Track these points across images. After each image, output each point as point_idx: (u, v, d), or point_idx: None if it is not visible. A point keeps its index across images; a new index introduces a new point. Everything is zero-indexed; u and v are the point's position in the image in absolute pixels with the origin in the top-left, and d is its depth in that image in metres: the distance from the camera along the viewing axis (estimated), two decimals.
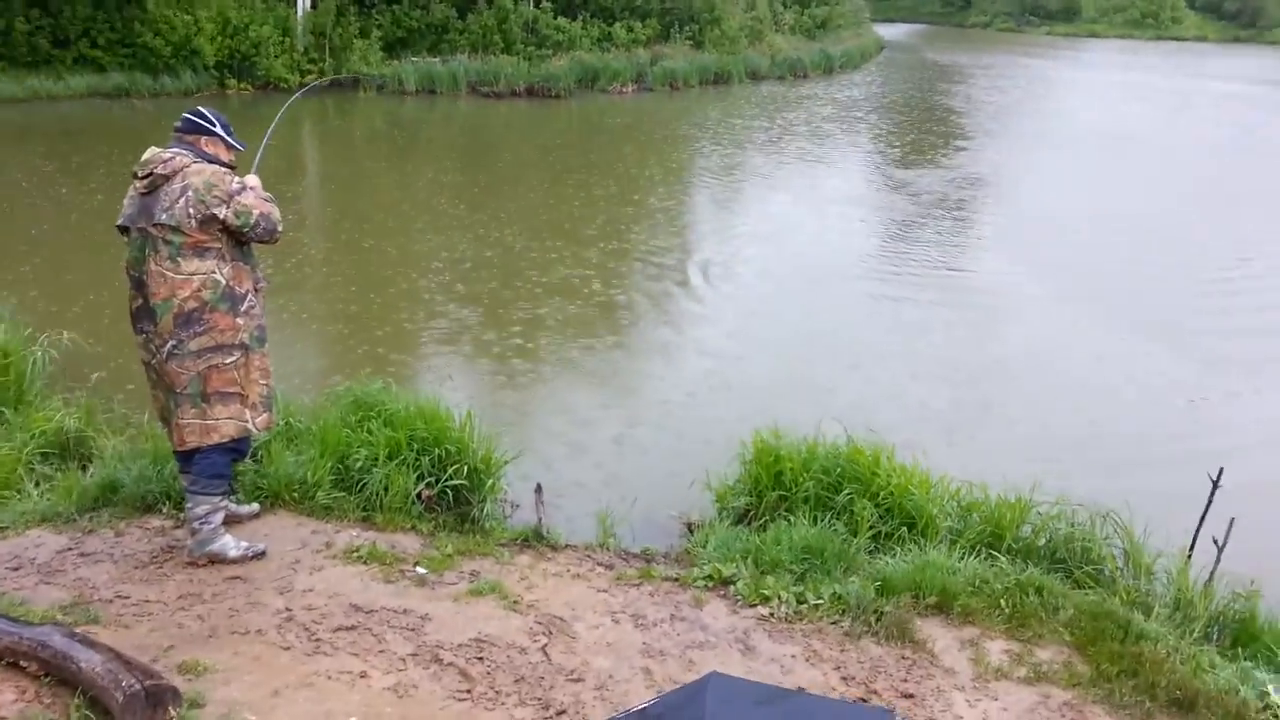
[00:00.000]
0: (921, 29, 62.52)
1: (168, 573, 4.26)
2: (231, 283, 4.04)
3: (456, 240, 11.68)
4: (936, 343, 8.96)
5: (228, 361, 4.06)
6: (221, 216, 3.91)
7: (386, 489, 4.98)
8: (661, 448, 6.63)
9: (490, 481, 5.26)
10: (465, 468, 5.18)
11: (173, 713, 3.03)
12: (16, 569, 4.21)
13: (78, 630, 3.41)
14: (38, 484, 4.97)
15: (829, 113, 24.67)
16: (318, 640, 3.83)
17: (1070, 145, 21.03)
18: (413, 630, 3.96)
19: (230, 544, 4.32)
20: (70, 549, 4.42)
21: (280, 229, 4.09)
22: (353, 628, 3.93)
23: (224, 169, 4.05)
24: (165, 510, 4.76)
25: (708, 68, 28.79)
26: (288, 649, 3.76)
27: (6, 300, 7.55)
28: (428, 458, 5.16)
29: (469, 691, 3.59)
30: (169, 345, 3.99)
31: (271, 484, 4.97)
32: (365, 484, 5.01)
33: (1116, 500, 5.11)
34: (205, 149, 4.07)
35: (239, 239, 4.05)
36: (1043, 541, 4.94)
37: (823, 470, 5.10)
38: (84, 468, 5.21)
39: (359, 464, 5.07)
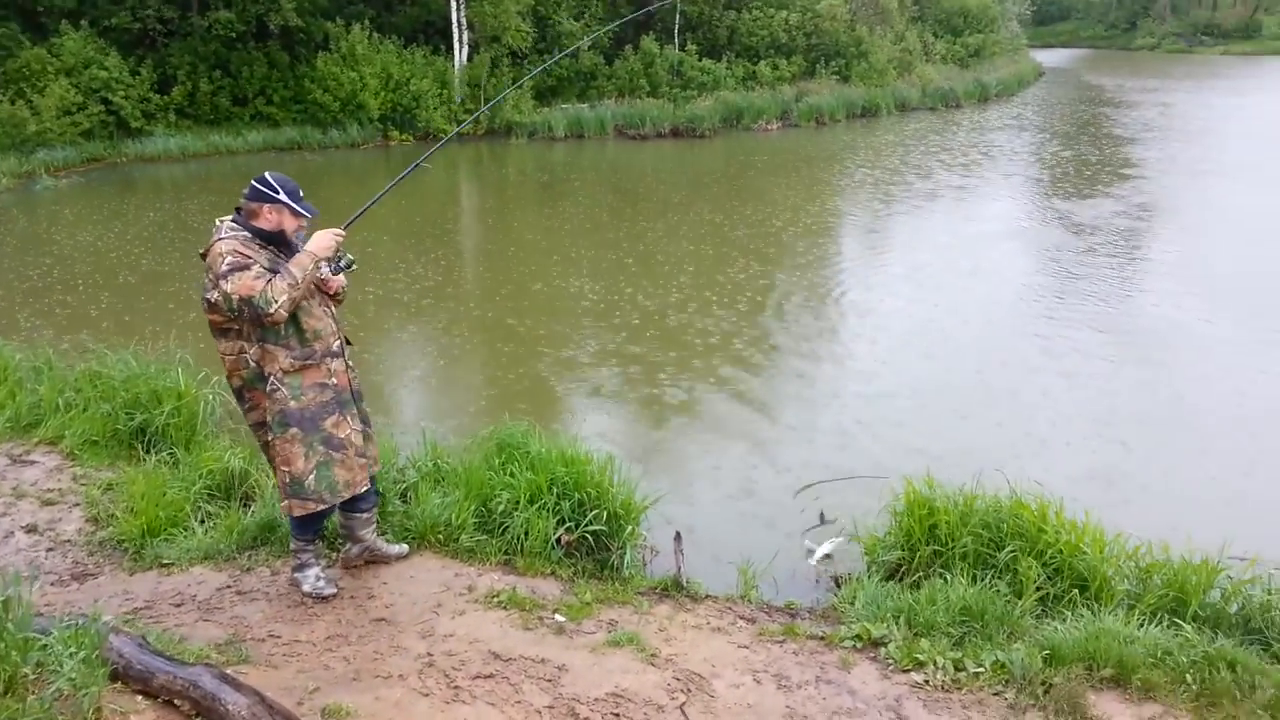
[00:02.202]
0: (1084, 54, 59.90)
1: (318, 613, 4.35)
2: (259, 363, 4.05)
3: (601, 282, 11.80)
4: (1104, 387, 8.35)
5: (269, 439, 4.16)
6: (213, 300, 3.90)
7: (527, 533, 4.97)
8: (806, 496, 6.38)
9: (630, 528, 5.17)
10: (605, 513, 5.11)
11: None
12: (179, 605, 4.40)
13: (228, 670, 3.49)
14: (203, 521, 5.21)
15: (982, 142, 23.82)
16: (456, 688, 3.81)
17: (1244, 173, 19.52)
18: (550, 681, 3.89)
19: (309, 578, 4.46)
20: (229, 586, 4.59)
21: (272, 309, 3.78)
22: (491, 676, 3.90)
23: (237, 244, 3.87)
24: None
25: (854, 101, 28.43)
26: (427, 695, 3.75)
27: (187, 345, 8.03)
28: (568, 502, 5.13)
29: None
30: (243, 413, 4.27)
31: (418, 525, 5.05)
32: (507, 527, 5.02)
33: None
34: (267, 216, 3.98)
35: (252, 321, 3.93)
36: (1234, 609, 4.43)
37: (982, 525, 4.76)
38: (245, 506, 5.43)
39: (501, 507, 5.09)
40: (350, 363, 4.35)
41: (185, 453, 5.96)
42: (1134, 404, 8.02)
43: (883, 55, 30.90)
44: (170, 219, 15.78)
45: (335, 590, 4.47)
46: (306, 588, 4.45)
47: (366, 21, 24.90)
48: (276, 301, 3.81)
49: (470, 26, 25.56)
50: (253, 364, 4.05)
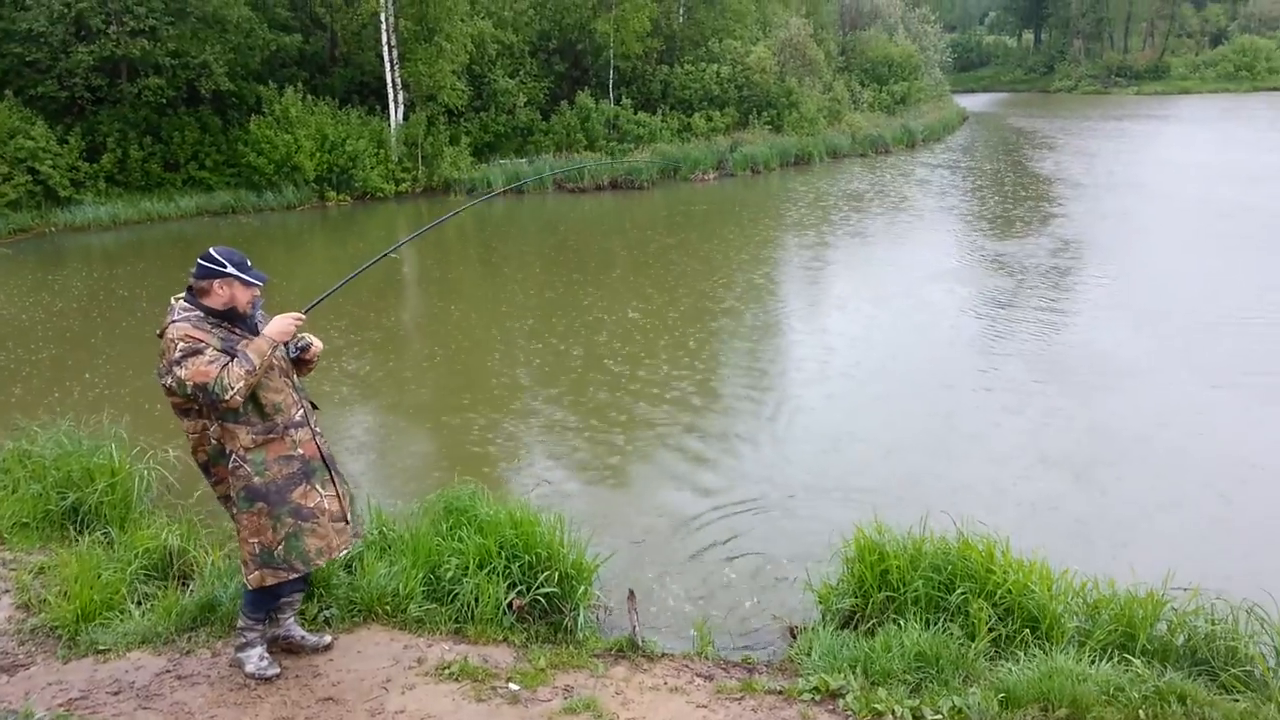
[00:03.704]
0: (1004, 97, 62.16)
1: (262, 694, 4.20)
2: (220, 439, 4.03)
3: (547, 336, 11.79)
4: (1041, 425, 8.52)
5: (234, 513, 4.12)
6: (167, 385, 3.86)
7: (477, 599, 4.88)
8: (759, 546, 6.38)
9: (582, 588, 5.10)
10: (556, 574, 5.05)
11: None
12: (116, 693, 4.22)
13: None
14: (139, 603, 5.02)
15: (911, 186, 24.46)
16: None
17: (1169, 203, 20.29)
18: None
19: (252, 658, 4.31)
20: (169, 670, 4.41)
21: (228, 395, 3.76)
22: None
23: (188, 328, 3.84)
24: None
25: (788, 150, 29.07)
26: None
27: (121, 419, 7.81)
28: (518, 564, 5.06)
29: None
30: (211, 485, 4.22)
31: (364, 597, 4.92)
32: (456, 594, 4.93)
33: (1254, 590, 4.67)
34: (218, 291, 3.93)
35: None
36: (1181, 640, 4.51)
37: (932, 568, 4.79)
38: (184, 585, 5.25)
39: (450, 573, 4.99)
40: (318, 429, 4.27)
41: (120, 531, 5.76)
42: (1069, 438, 8.19)
43: (812, 105, 31.71)
44: (100, 289, 15.44)
45: (279, 670, 4.32)
46: (250, 668, 4.30)
47: (300, 84, 24.88)
48: (232, 389, 3.78)
49: (405, 86, 25.67)
50: (214, 441, 4.02)
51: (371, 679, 4.32)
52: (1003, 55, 77.52)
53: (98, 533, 5.80)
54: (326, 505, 4.17)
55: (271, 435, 4.02)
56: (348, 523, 4.27)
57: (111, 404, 8.49)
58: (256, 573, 4.07)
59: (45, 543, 5.89)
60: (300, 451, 4.10)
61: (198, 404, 3.92)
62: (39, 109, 21.80)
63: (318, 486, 4.15)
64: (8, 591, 5.26)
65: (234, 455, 3.99)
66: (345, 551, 4.30)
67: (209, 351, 3.81)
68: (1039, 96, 61.16)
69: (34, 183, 20.85)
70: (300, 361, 4.27)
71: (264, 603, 4.25)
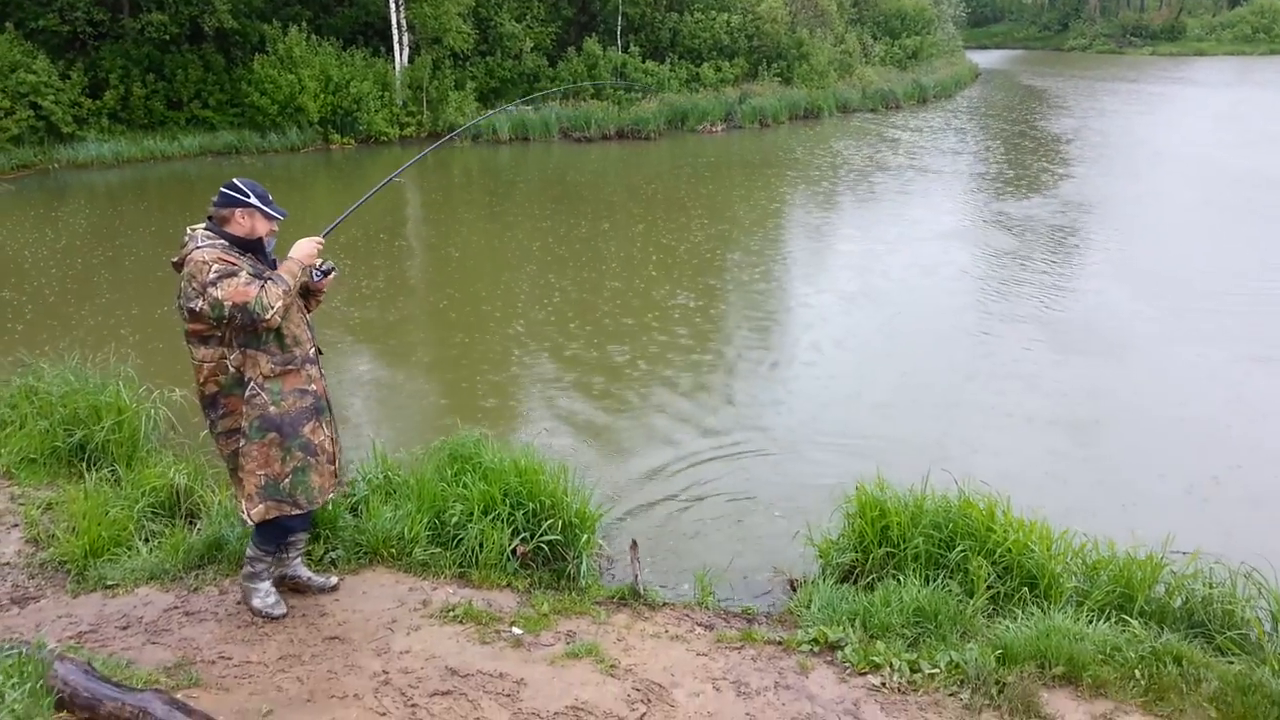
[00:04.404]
0: (1018, 54, 61.26)
1: (269, 632, 4.27)
2: (241, 368, 4.00)
3: (552, 285, 11.76)
4: (1046, 386, 8.53)
5: (242, 446, 4.07)
6: (197, 309, 3.83)
7: (482, 545, 4.93)
8: (760, 499, 6.43)
9: (585, 536, 5.15)
10: (560, 522, 5.09)
11: None
12: (125, 628, 4.29)
13: (178, 695, 3.41)
14: (147, 540, 5.07)
15: (921, 143, 24.23)
16: (414, 706, 3.76)
17: (1179, 167, 20.13)
18: (509, 696, 3.86)
19: (259, 592, 4.38)
20: (176, 607, 4.48)
21: (268, 315, 3.82)
22: (448, 693, 3.86)
23: (218, 253, 3.86)
24: None
25: (797, 103, 28.73)
26: (384, 715, 3.71)
27: (132, 359, 7.81)
28: (522, 512, 5.09)
29: None
30: (209, 424, 4.16)
31: (370, 540, 4.98)
32: (461, 540, 4.98)
33: (1252, 555, 4.72)
34: (240, 221, 3.96)
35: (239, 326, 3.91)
36: (1178, 603, 4.55)
37: (933, 525, 4.83)
38: (191, 524, 5.30)
39: (454, 519, 5.04)
40: (322, 371, 4.32)
41: (127, 470, 5.80)
42: (1074, 400, 8.21)
43: (823, 57, 31.27)
44: (104, 226, 15.37)
45: (285, 611, 4.38)
46: (256, 602, 4.36)
47: (304, 23, 24.50)
48: (273, 308, 3.84)
49: (410, 28, 25.30)
50: (233, 369, 4.00)
51: (377, 619, 4.38)
52: (1017, 11, 76.24)
53: (105, 470, 5.84)
54: (328, 446, 4.25)
55: (290, 367, 4.08)
56: (336, 468, 4.33)
57: (117, 342, 8.49)
58: (261, 505, 4.10)
59: (53, 479, 5.94)
60: (313, 387, 4.18)
61: (225, 328, 3.91)
62: (40, 43, 21.49)
63: (323, 426, 4.23)
64: (17, 526, 5.32)
65: (252, 383, 4.01)
66: (331, 495, 4.35)
67: (244, 274, 3.85)
68: (1052, 55, 60.29)
69: (36, 118, 20.62)
70: (309, 293, 4.31)
71: (274, 535, 4.29)
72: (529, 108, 25.21)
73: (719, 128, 26.59)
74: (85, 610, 4.48)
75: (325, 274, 4.29)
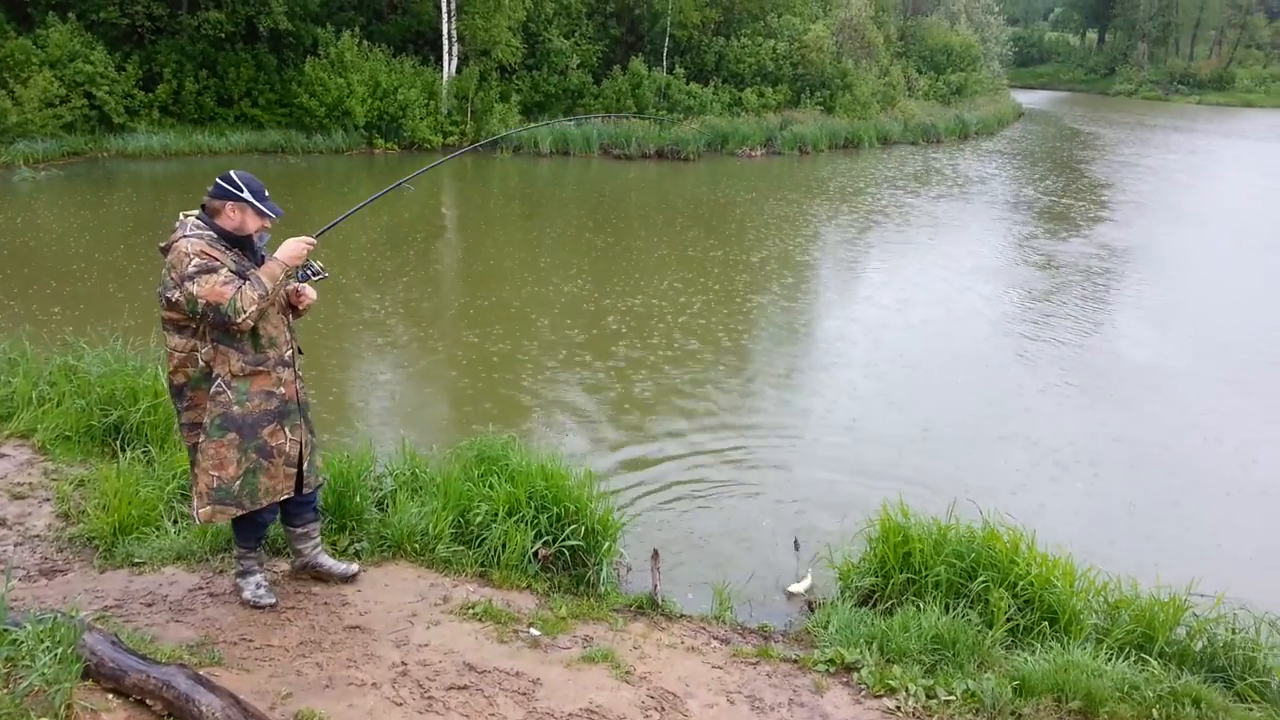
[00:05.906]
0: (1062, 96, 60.96)
1: (291, 618, 4.32)
2: (211, 363, 3.93)
3: (585, 296, 11.83)
4: (1074, 428, 8.47)
5: (201, 441, 3.99)
6: (173, 300, 3.78)
7: (504, 545, 4.97)
8: (783, 520, 6.42)
9: (607, 544, 5.18)
10: (583, 528, 5.12)
11: None
12: (151, 605, 4.35)
13: (201, 672, 3.46)
14: (175, 522, 5.15)
15: (960, 178, 24.16)
16: (430, 698, 3.79)
17: (1222, 220, 19.93)
18: (524, 695, 3.88)
19: (249, 585, 4.41)
20: (201, 588, 4.54)
21: (239, 319, 3.75)
22: (465, 687, 3.89)
23: (203, 245, 3.79)
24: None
25: (838, 132, 28.73)
26: (400, 705, 3.73)
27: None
28: (546, 515, 5.14)
29: None
30: (176, 413, 4.10)
31: (395, 534, 5.03)
32: (484, 539, 5.02)
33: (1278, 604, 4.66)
34: (230, 214, 3.90)
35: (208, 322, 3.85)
36: (1199, 646, 4.51)
37: (955, 554, 4.82)
38: None
39: (479, 519, 5.08)
40: (299, 373, 4.26)
41: (160, 452, 5.89)
42: (1105, 442, 8.14)
43: (867, 88, 31.30)
44: (148, 216, 15.65)
45: (274, 600, 4.39)
46: (246, 595, 4.38)
47: (357, 29, 24.92)
48: (245, 311, 3.77)
49: (460, 39, 25.63)
50: (202, 363, 3.94)
51: (398, 612, 4.42)
52: (1064, 53, 75.88)
53: (138, 451, 5.93)
54: (288, 449, 4.16)
55: (261, 368, 4.01)
56: (300, 470, 4.26)
57: (157, 328, 8.61)
58: (209, 507, 4.03)
59: (86, 456, 6.04)
60: (282, 390, 4.09)
61: (198, 323, 3.87)
62: (99, 34, 22.02)
63: (286, 430, 4.14)
64: (48, 500, 5.42)
65: (220, 380, 3.94)
66: (283, 497, 4.23)
67: (224, 272, 3.78)
68: (1097, 98, 59.92)
69: (90, 107, 21.11)
70: (292, 306, 4.21)
71: (249, 531, 4.31)
72: (570, 122, 25.43)
73: (758, 152, 26.66)
74: (111, 585, 4.55)
75: (311, 276, 4.19)
